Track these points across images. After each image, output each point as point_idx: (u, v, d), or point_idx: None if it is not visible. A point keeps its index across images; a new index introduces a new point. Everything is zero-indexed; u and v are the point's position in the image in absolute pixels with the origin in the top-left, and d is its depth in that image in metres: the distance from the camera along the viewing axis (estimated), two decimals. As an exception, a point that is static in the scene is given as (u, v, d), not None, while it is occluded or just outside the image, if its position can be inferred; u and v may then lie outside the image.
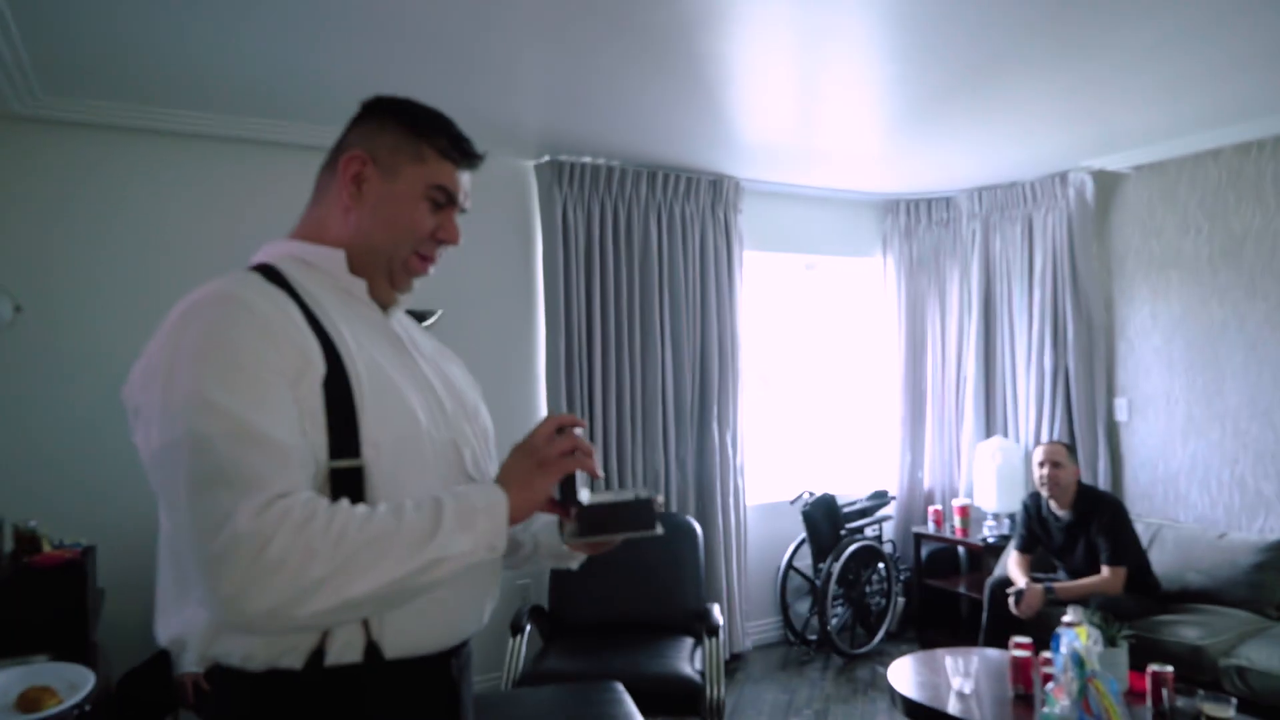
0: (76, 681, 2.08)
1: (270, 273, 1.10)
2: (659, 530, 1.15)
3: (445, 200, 1.17)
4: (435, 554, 0.97)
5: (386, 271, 1.18)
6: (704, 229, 4.40)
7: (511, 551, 1.33)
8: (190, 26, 2.55)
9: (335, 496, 1.00)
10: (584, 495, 1.17)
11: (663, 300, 4.23)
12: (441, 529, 0.97)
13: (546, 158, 4.03)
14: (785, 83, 3.22)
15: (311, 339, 1.03)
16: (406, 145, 1.16)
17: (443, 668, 1.15)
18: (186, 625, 1.06)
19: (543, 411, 4.08)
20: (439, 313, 3.66)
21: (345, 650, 1.05)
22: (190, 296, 1.03)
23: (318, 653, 1.04)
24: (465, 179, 1.20)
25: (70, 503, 3.05)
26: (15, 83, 2.86)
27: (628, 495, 1.17)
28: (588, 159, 4.07)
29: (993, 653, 3.17)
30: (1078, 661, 2.28)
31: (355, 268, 1.16)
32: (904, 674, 3.01)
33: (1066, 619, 2.64)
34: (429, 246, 1.19)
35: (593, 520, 1.14)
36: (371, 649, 1.06)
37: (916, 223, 5.22)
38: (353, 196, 1.16)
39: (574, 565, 1.34)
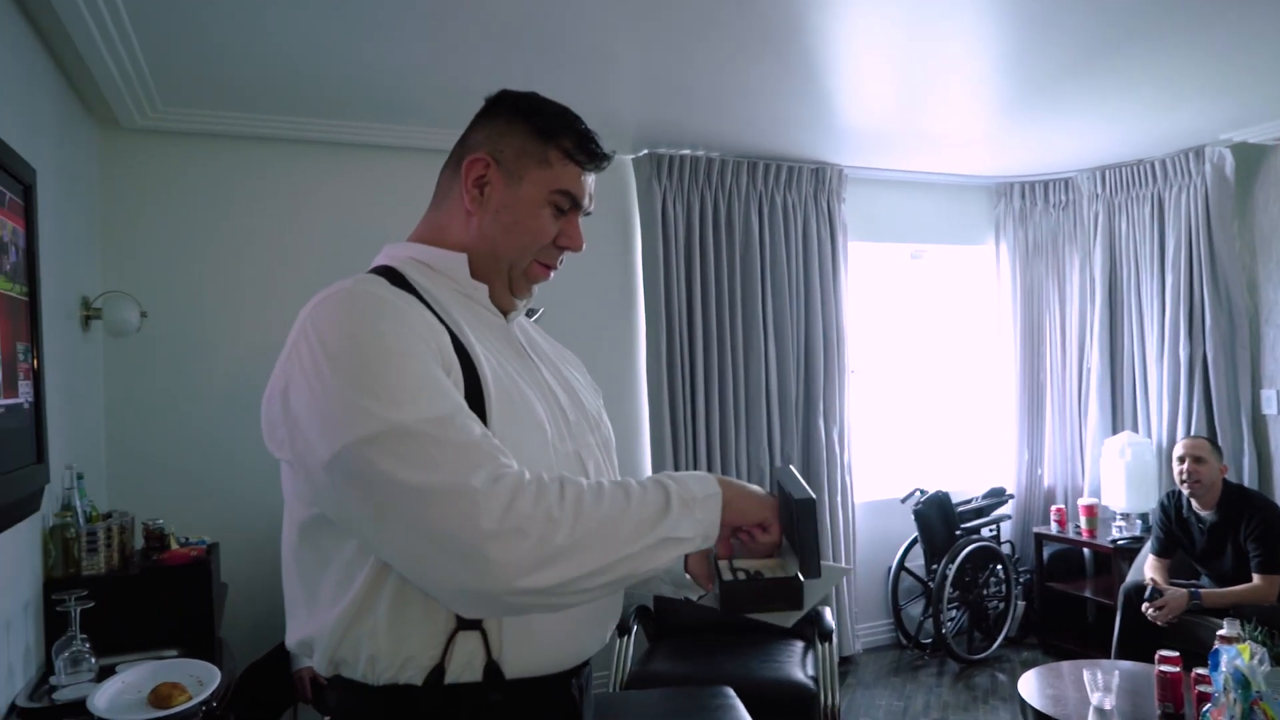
0: (204, 678, 2.13)
1: (393, 275, 1.07)
2: (805, 609, 1.05)
3: (569, 205, 1.14)
4: (665, 533, 0.94)
5: (507, 278, 1.15)
6: (806, 219, 4.28)
7: None
8: (293, 33, 2.58)
9: None
10: (722, 561, 1.08)
11: (765, 293, 4.14)
12: (671, 511, 0.95)
13: (645, 151, 3.97)
14: (891, 63, 3.07)
15: (446, 339, 1.01)
16: (532, 149, 1.11)
17: (563, 688, 1.11)
18: (314, 630, 1.05)
19: (645, 408, 4.03)
20: (541, 310, 3.66)
21: (465, 669, 1.02)
22: (318, 297, 0.99)
23: (438, 670, 1.01)
24: (590, 181, 1.16)
25: (195, 501, 3.16)
26: (138, 96, 2.97)
27: (773, 568, 1.07)
28: (686, 151, 3.99)
29: (1133, 666, 2.95)
30: (1241, 681, 2.07)
31: (476, 272, 1.13)
32: (1035, 686, 2.83)
33: (1223, 633, 2.42)
34: (551, 253, 1.15)
35: (735, 597, 1.04)
36: (491, 668, 1.03)
37: (1032, 206, 4.94)
38: (474, 201, 1.12)
39: (694, 596, 1.26)
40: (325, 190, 3.44)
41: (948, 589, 4.20)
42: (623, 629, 3.31)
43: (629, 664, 3.24)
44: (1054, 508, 4.57)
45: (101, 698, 2.00)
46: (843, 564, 1.03)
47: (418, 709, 1.02)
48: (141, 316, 3.05)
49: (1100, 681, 2.57)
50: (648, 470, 4.03)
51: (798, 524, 1.02)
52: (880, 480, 4.71)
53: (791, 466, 1.16)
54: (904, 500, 4.46)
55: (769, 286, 4.15)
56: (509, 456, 0.93)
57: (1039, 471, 4.91)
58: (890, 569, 4.53)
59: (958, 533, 4.37)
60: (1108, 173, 4.66)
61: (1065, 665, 2.98)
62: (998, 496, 4.65)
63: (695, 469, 3.94)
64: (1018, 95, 3.43)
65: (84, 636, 2.16)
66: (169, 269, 3.26)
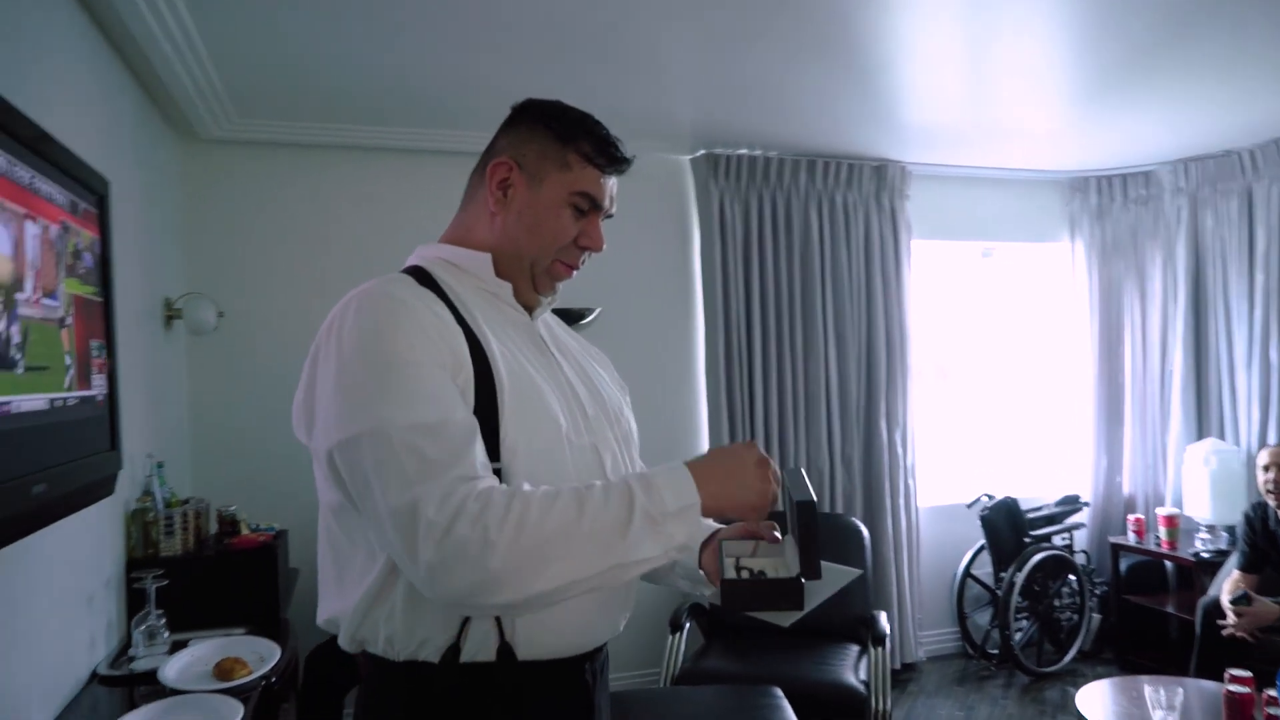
0: (265, 655, 2.25)
1: (421, 275, 1.12)
2: (806, 610, 1.07)
3: (589, 206, 1.17)
4: (619, 559, 0.94)
5: (529, 276, 1.18)
6: (868, 217, 4.22)
7: None
8: (353, 46, 2.70)
9: None
10: (729, 559, 1.10)
11: (825, 293, 4.10)
12: (630, 533, 0.94)
13: (702, 151, 3.98)
14: (956, 57, 3.01)
15: (460, 339, 1.05)
16: (552, 152, 1.15)
17: (576, 671, 1.14)
18: (340, 609, 1.11)
19: (704, 409, 4.05)
20: (597, 310, 3.72)
21: (480, 649, 1.07)
22: (347, 296, 1.06)
23: (454, 649, 1.06)
24: (612, 184, 1.19)
25: (265, 490, 3.31)
26: (213, 109, 3.15)
27: (776, 568, 1.10)
28: (744, 151, 3.98)
29: (1204, 684, 2.81)
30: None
31: (501, 271, 1.17)
32: (1097, 700, 2.73)
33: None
34: (572, 253, 1.18)
35: (736, 596, 1.08)
36: (505, 650, 1.07)
37: (1110, 201, 4.76)
38: (498, 203, 1.17)
39: (707, 594, 1.28)
40: (386, 192, 3.58)
41: (1016, 598, 4.08)
42: (675, 625, 3.33)
43: (680, 660, 3.25)
44: (1132, 517, 4.38)
45: (171, 669, 2.14)
46: (852, 568, 1.04)
47: (435, 685, 1.07)
48: (219, 316, 3.23)
49: (1164, 699, 2.47)
50: None
51: (799, 526, 1.05)
52: (946, 484, 4.59)
53: (802, 469, 1.18)
54: (970, 505, 4.34)
55: (829, 286, 4.10)
56: (478, 468, 0.97)
57: (1118, 479, 4.71)
58: (956, 576, 4.42)
59: (1026, 540, 4.23)
60: (1192, 165, 4.46)
61: (1130, 680, 2.86)
62: (1071, 504, 4.49)
63: None
64: (1092, 85, 3.31)
65: (160, 612, 2.30)
66: (244, 271, 3.44)
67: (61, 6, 2.07)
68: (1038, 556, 4.14)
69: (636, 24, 2.63)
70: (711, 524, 1.29)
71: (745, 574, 1.11)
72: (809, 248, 4.09)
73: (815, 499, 1.04)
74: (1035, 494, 4.59)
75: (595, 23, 2.60)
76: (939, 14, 2.64)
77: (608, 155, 1.16)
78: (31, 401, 1.53)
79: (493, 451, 0.99)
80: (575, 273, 1.20)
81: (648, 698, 2.87)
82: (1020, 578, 4.07)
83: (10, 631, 1.71)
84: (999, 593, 4.17)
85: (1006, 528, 4.19)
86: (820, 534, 1.04)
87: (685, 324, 4.06)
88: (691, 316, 4.07)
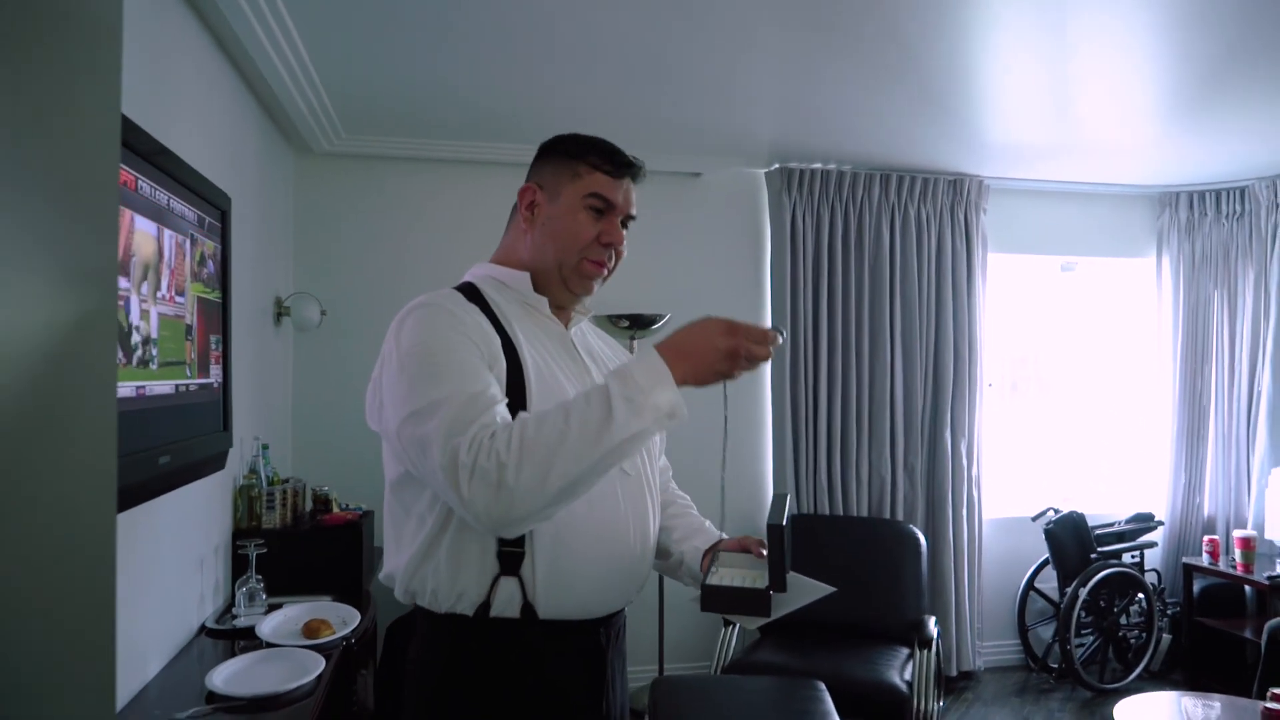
0: (347, 619, 2.49)
1: (470, 290, 1.29)
2: (772, 617, 1.21)
3: (604, 206, 1.28)
4: (614, 439, 1.04)
5: (561, 279, 1.31)
6: (941, 231, 4.23)
7: (661, 556, 1.43)
8: (448, 68, 2.91)
9: None
10: (719, 573, 1.23)
11: (894, 304, 4.13)
12: (615, 416, 1.03)
13: (775, 165, 4.06)
14: (1037, 74, 2.97)
15: (496, 342, 1.20)
16: (565, 168, 1.30)
17: (591, 634, 1.29)
18: (396, 566, 1.28)
19: (768, 414, 4.14)
20: (668, 316, 3.87)
21: (506, 606, 1.24)
22: (405, 308, 1.23)
23: (485, 605, 1.23)
24: (627, 188, 1.30)
25: (357, 473, 3.55)
26: (323, 126, 3.44)
27: (753, 579, 1.24)
28: (818, 165, 4.05)
29: (1240, 701, 2.80)
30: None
31: (539, 285, 1.32)
32: (1134, 713, 2.75)
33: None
34: (596, 251, 1.30)
35: (712, 599, 1.22)
36: (528, 608, 1.24)
37: (1201, 217, 4.63)
38: (528, 221, 1.32)
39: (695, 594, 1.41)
40: (475, 203, 3.81)
41: (1079, 613, 4.06)
42: (727, 620, 3.46)
43: (732, 652, 3.40)
44: (1206, 538, 4.29)
45: (267, 626, 2.40)
46: (826, 585, 1.14)
47: (470, 635, 1.23)
48: (322, 314, 3.53)
49: (1200, 713, 2.49)
50: (768, 480, 4.12)
51: (769, 545, 1.21)
52: (1014, 497, 4.57)
53: (789, 495, 1.35)
54: (1035, 519, 4.32)
55: (898, 297, 4.13)
56: (498, 421, 1.10)
57: (1197, 499, 4.59)
58: (1019, 588, 4.41)
59: (1093, 556, 4.20)
60: (1286, 182, 4.31)
61: (1170, 694, 2.87)
62: (1144, 522, 4.41)
63: (816, 476, 4.02)
64: (1180, 98, 3.21)
65: (259, 577, 2.52)
66: (345, 272, 3.73)
67: (193, 37, 2.34)
68: (1103, 573, 4.10)
69: (718, 54, 2.73)
70: (714, 533, 1.42)
71: (724, 581, 1.25)
72: (879, 259, 4.12)
73: (783, 524, 1.16)
74: (1106, 510, 4.52)
75: (678, 53, 2.73)
76: (1019, 33, 2.60)
77: (613, 160, 1.29)
78: (161, 386, 1.76)
79: None
80: (607, 272, 1.31)
81: (697, 683, 3.03)
82: (1084, 593, 4.04)
83: (137, 583, 1.92)
84: (1063, 607, 4.15)
85: (1071, 542, 4.16)
86: (788, 554, 1.20)
87: None
88: (759, 320, 4.15)
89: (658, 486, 1.37)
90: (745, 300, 4.14)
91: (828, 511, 4.03)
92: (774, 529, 1.17)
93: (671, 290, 3.86)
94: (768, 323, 4.15)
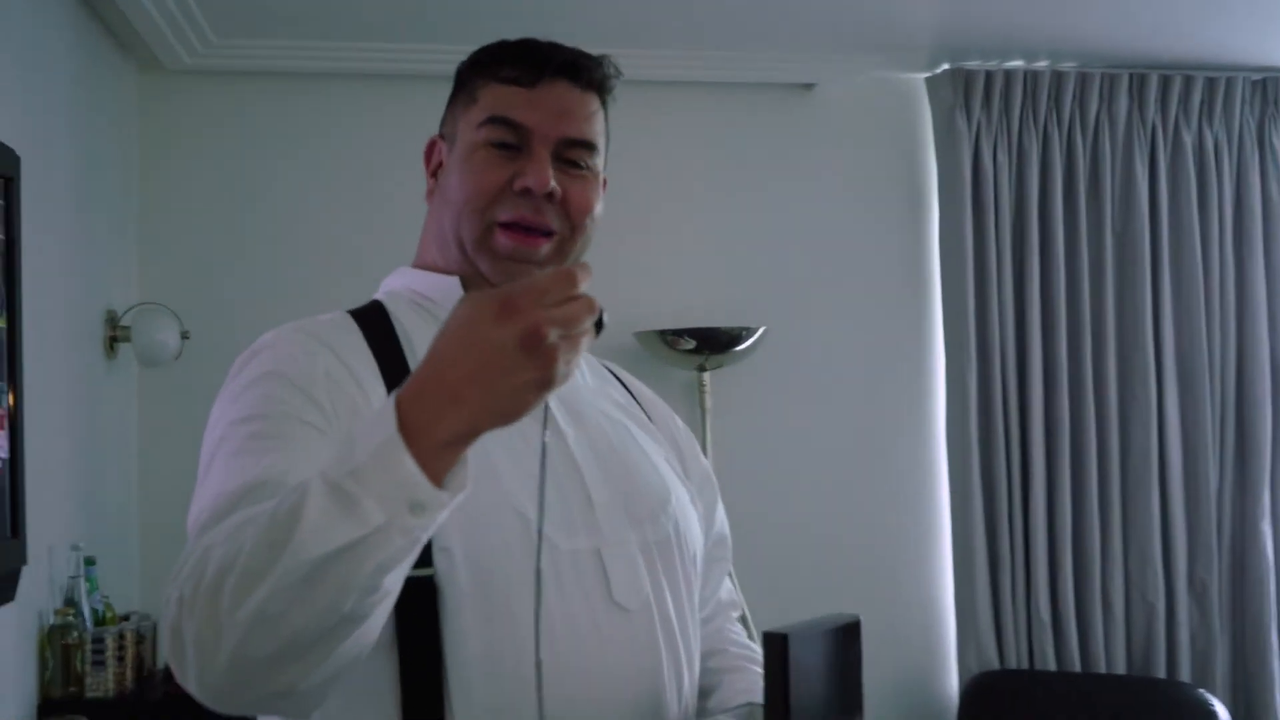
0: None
1: (370, 314, 1.01)
2: None
3: (513, 138, 0.97)
4: (297, 562, 0.70)
5: (473, 268, 0.99)
6: (1243, 165, 2.99)
7: None
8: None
9: (401, 619, 0.83)
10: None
11: (1159, 290, 2.96)
12: (300, 523, 0.70)
13: (945, 66, 2.95)
14: None
15: (368, 400, 0.90)
16: (462, 95, 1.02)
17: None
18: None
19: (943, 477, 2.92)
20: (760, 330, 2.67)
21: None
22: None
23: None
24: (559, 99, 0.97)
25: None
26: (178, 24, 2.49)
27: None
28: (1017, 63, 2.94)
29: None
30: None
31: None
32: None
33: None
34: (508, 207, 0.96)
35: None
36: None
37: None
38: (431, 191, 1.07)
39: None
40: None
41: None
42: None
43: None
44: None
45: None
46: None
47: None
48: (183, 338, 2.55)
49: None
50: (946, 615, 2.94)
51: (764, 666, 0.86)
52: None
53: (831, 629, 0.87)
54: None
55: (1165, 279, 2.96)
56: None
57: None
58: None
59: None
60: None
61: None
62: None
63: (1032, 603, 2.83)
64: None
65: None
66: (220, 271, 2.78)
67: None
68: None
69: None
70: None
71: None
72: (1130, 216, 2.91)
73: (787, 633, 0.82)
74: None
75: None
76: None
77: (523, 59, 0.98)
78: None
79: (423, 555, 0.79)
80: (551, 242, 0.97)
81: None
82: None
83: None
84: None
85: None
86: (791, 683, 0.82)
87: (913, 342, 2.97)
88: (924, 330, 2.97)
89: (694, 627, 1.04)
90: (897, 291, 3.00)
91: (1053, 664, 2.82)
92: (775, 640, 0.81)
93: (767, 283, 2.87)
94: (938, 337, 2.93)
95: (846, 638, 0.88)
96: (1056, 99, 2.93)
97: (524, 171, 0.94)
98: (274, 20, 2.61)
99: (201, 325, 2.64)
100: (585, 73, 0.98)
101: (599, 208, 0.98)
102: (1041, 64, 2.94)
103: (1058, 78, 2.91)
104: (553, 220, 0.95)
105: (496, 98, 0.96)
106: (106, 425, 2.55)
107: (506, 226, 0.94)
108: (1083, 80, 2.91)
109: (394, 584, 0.70)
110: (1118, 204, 2.95)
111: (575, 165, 0.96)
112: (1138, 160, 2.93)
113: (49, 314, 2.11)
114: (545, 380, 0.66)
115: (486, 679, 0.88)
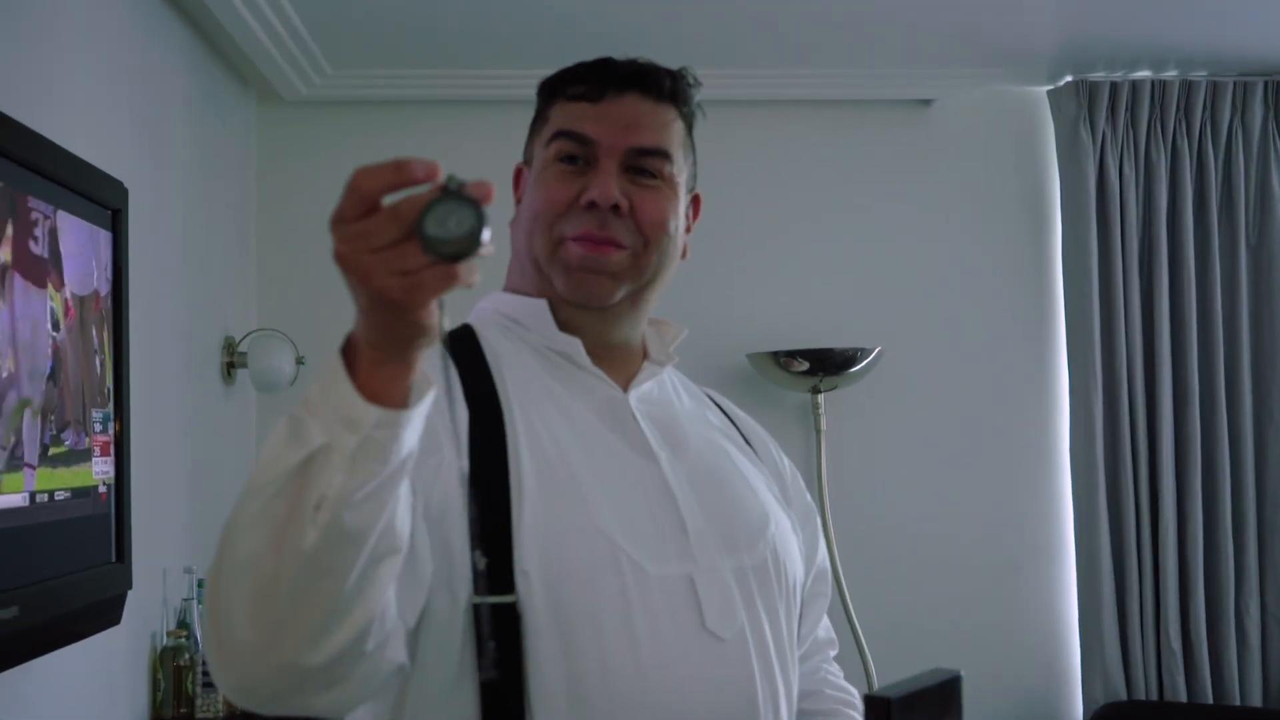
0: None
1: (460, 337, 0.98)
2: None
3: (579, 149, 0.96)
4: (266, 479, 0.69)
5: (550, 286, 0.98)
6: None
7: None
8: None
9: (480, 647, 0.82)
10: None
11: None
12: (263, 453, 0.72)
13: (1069, 79, 2.84)
14: None
15: (459, 418, 0.81)
16: (537, 117, 1.02)
17: None
18: None
19: (1067, 515, 2.78)
20: (876, 351, 2.61)
21: None
22: None
23: None
24: (625, 111, 0.96)
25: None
26: (294, 57, 2.50)
27: None
28: (1144, 73, 2.82)
29: None
30: None
31: (564, 319, 0.98)
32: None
33: None
34: (576, 222, 0.95)
35: None
36: None
37: None
38: (516, 219, 1.06)
39: None
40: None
41: None
42: None
43: None
44: None
45: None
46: None
47: None
48: (298, 364, 2.55)
49: None
50: (1071, 611, 2.82)
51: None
52: None
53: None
54: None
55: None
56: None
57: None
58: None
59: None
60: None
61: None
62: None
63: (1162, 630, 2.71)
64: None
65: None
66: (336, 297, 2.48)
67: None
68: None
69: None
70: None
71: None
72: (1267, 230, 2.76)
73: (890, 698, 0.77)
74: None
75: None
76: None
77: (587, 77, 0.99)
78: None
79: (505, 579, 0.82)
80: (623, 256, 0.95)
81: None
82: None
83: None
84: None
85: None
86: None
87: (1035, 363, 2.85)
88: (1046, 350, 2.84)
89: (793, 658, 1.00)
90: (1016, 314, 2.88)
91: (1184, 695, 2.70)
92: (876, 705, 0.77)
93: (883, 303, 2.81)
94: (1062, 357, 2.82)
95: (947, 696, 0.84)
96: (1186, 109, 2.79)
97: (589, 187, 0.93)
98: (386, 50, 2.61)
99: (316, 351, 2.61)
100: (656, 84, 0.96)
101: (675, 221, 0.95)
102: (1170, 73, 2.80)
103: (1187, 87, 2.77)
104: (621, 234, 0.93)
105: (565, 114, 0.97)
106: (223, 449, 2.56)
107: (576, 240, 0.93)
108: (1214, 89, 2.77)
109: (360, 526, 0.66)
110: (1253, 217, 2.79)
111: (648, 175, 0.94)
112: (1274, 171, 2.79)
113: (165, 340, 2.13)
114: (378, 296, 0.61)
115: (570, 710, 0.85)
